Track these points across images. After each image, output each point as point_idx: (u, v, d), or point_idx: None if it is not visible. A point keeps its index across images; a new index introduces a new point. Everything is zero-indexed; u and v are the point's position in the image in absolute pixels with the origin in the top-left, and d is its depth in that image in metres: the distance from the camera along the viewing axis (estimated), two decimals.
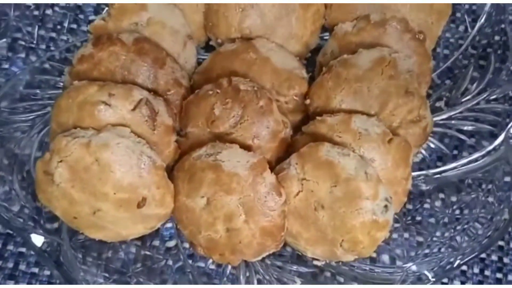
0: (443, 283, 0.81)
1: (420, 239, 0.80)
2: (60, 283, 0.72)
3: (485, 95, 0.86)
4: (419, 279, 0.74)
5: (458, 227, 0.79)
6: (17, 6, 0.87)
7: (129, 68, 0.75)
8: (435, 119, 0.83)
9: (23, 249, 0.80)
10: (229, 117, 0.74)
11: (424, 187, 0.84)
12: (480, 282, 0.82)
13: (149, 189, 0.69)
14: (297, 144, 0.75)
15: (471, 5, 0.95)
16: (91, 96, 0.70)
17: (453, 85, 0.89)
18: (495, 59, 0.89)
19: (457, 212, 0.81)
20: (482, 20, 0.91)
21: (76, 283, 0.71)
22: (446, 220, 0.81)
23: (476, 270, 0.83)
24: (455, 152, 0.86)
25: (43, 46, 0.90)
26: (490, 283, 0.82)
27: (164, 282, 0.76)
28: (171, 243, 0.80)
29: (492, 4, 0.90)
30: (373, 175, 0.68)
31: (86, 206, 0.69)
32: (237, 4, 0.82)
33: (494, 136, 0.82)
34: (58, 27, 0.92)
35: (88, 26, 0.82)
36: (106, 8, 0.85)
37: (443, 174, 0.83)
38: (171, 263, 0.78)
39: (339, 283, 0.77)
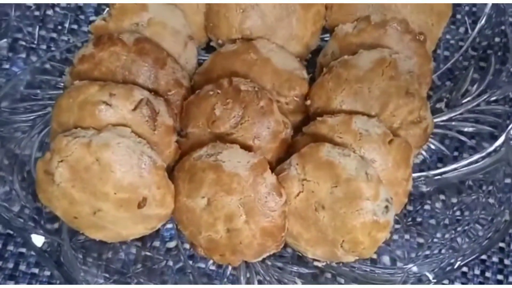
0: (443, 284, 0.81)
1: (421, 240, 0.80)
2: (60, 283, 0.72)
3: (485, 97, 0.86)
4: (420, 280, 0.74)
5: (459, 229, 0.79)
6: (18, 6, 0.87)
7: (129, 68, 0.75)
8: (435, 120, 0.83)
9: (23, 250, 0.80)
10: (230, 117, 0.74)
11: (424, 189, 0.84)
12: (481, 284, 0.82)
13: (149, 189, 0.69)
14: (298, 145, 0.75)
15: (471, 7, 0.95)
16: (92, 96, 0.70)
17: (453, 87, 0.89)
18: (496, 61, 0.89)
19: (458, 213, 0.81)
20: (483, 21, 0.92)
21: (77, 284, 0.71)
22: (446, 221, 0.81)
23: (477, 272, 0.83)
24: (456, 153, 0.86)
25: (44, 47, 0.90)
26: (491, 285, 0.82)
27: (164, 282, 0.76)
28: (172, 244, 0.80)
29: (493, 6, 0.90)
30: (373, 176, 0.68)
31: (87, 206, 0.69)
32: (238, 5, 0.82)
33: (495, 138, 0.83)
34: (59, 27, 0.92)
35: (88, 27, 0.82)
36: (107, 9, 0.85)
37: (444, 176, 0.84)
38: (172, 264, 0.78)
39: (340, 284, 0.77)
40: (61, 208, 0.70)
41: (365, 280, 0.76)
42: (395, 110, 0.75)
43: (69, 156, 0.67)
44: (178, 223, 0.75)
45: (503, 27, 0.90)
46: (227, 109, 0.74)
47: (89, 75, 0.75)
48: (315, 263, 0.77)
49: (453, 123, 0.86)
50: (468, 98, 0.87)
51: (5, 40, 0.87)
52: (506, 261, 0.83)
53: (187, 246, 0.79)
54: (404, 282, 0.74)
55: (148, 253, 0.78)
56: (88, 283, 0.72)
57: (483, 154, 0.82)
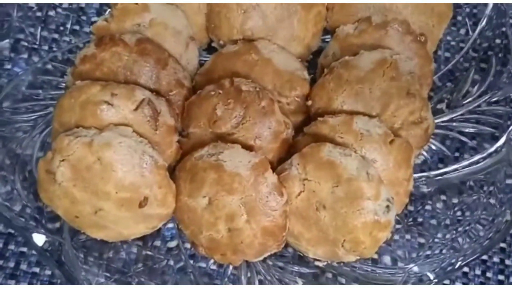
0: (444, 284, 0.81)
1: (422, 240, 0.80)
2: (61, 283, 0.72)
3: (486, 98, 0.86)
4: (421, 280, 0.74)
5: (460, 229, 0.79)
6: (20, 7, 0.88)
7: (131, 68, 0.76)
8: (436, 121, 0.83)
9: (24, 249, 0.80)
10: (231, 117, 0.74)
11: (425, 189, 0.84)
12: (482, 284, 0.82)
13: (151, 188, 0.69)
14: (299, 145, 0.75)
15: (472, 8, 0.96)
16: (93, 95, 0.70)
17: (454, 88, 0.90)
18: (496, 62, 0.89)
19: (459, 213, 0.81)
20: (483, 23, 0.92)
21: (78, 283, 0.71)
22: (447, 221, 0.81)
23: (478, 272, 0.83)
24: (457, 154, 0.86)
25: (46, 47, 0.90)
26: (491, 285, 0.82)
27: (165, 282, 0.76)
28: (173, 244, 0.80)
29: (493, 8, 0.90)
30: (374, 176, 0.68)
31: (88, 205, 0.69)
32: (239, 6, 0.82)
33: (496, 138, 0.83)
34: (61, 28, 0.92)
35: (90, 27, 0.83)
36: (109, 10, 0.85)
37: (445, 176, 0.84)
38: (173, 263, 0.78)
39: (341, 283, 0.77)
40: (62, 208, 0.70)
41: (366, 280, 0.76)
42: (396, 110, 0.75)
43: (71, 155, 0.68)
44: (179, 223, 0.75)
45: (503, 29, 0.90)
46: (228, 109, 0.74)
47: (90, 75, 0.76)
48: (316, 263, 0.77)
49: (454, 123, 0.87)
50: (469, 99, 0.87)
51: (7, 40, 0.87)
52: (507, 262, 0.83)
53: (188, 245, 0.79)
54: (405, 282, 0.74)
55: (149, 253, 0.78)
56: (89, 282, 0.72)
57: (484, 154, 0.82)
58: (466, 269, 0.82)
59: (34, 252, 0.79)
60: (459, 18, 0.96)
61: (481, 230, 0.77)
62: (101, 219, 0.71)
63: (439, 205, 0.82)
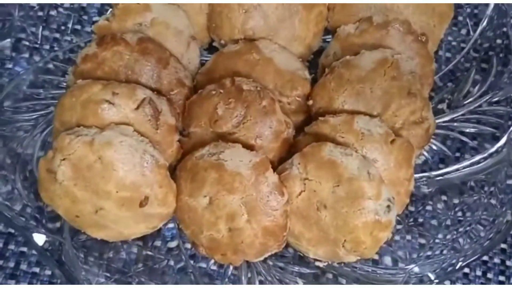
0: (445, 285, 0.81)
1: (422, 241, 0.80)
2: (61, 283, 0.72)
3: (487, 98, 0.86)
4: (421, 281, 0.74)
5: (460, 229, 0.79)
6: (21, 6, 0.88)
7: (132, 67, 0.76)
8: (437, 121, 0.83)
9: (25, 249, 0.80)
10: (232, 117, 0.74)
11: (426, 189, 0.84)
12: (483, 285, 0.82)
13: (151, 188, 0.69)
14: (300, 145, 0.75)
15: (473, 8, 0.96)
16: (94, 94, 0.70)
17: (455, 88, 0.90)
18: (497, 62, 0.89)
19: (459, 214, 0.81)
20: (484, 23, 0.92)
21: (78, 283, 0.71)
22: (448, 222, 0.81)
23: (478, 273, 0.83)
24: (458, 154, 0.86)
25: (47, 47, 0.91)
26: (492, 285, 0.82)
27: (165, 282, 0.76)
28: (173, 244, 0.80)
29: (494, 8, 0.90)
30: (375, 175, 0.68)
31: (89, 205, 0.69)
32: (241, 6, 0.82)
33: (496, 138, 0.83)
34: (62, 27, 0.92)
35: (92, 27, 0.83)
36: (110, 9, 0.85)
37: (446, 176, 0.84)
38: (173, 264, 0.78)
39: (341, 284, 0.77)
40: (63, 207, 0.70)
41: (366, 281, 0.76)
42: (397, 110, 0.75)
43: (72, 154, 0.67)
44: (179, 222, 0.75)
45: (504, 29, 0.90)
46: (229, 108, 0.74)
47: (92, 74, 0.76)
48: (317, 263, 0.77)
49: (455, 124, 0.87)
50: (470, 99, 0.87)
51: (8, 40, 0.87)
52: (508, 263, 0.83)
53: (188, 246, 0.79)
54: (406, 283, 0.74)
55: (149, 253, 0.78)
56: (89, 282, 0.72)
57: (485, 155, 0.82)
58: (467, 270, 0.82)
59: (34, 252, 0.79)
60: (460, 18, 0.96)
61: (482, 231, 0.77)
62: (102, 219, 0.70)
63: (439, 205, 0.82)
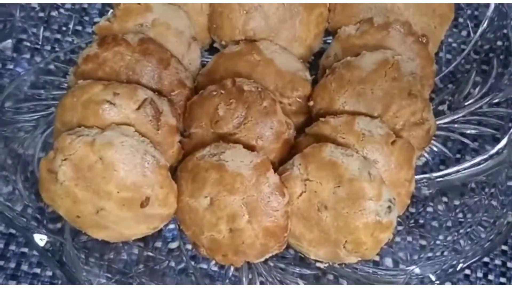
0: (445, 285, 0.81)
1: (423, 242, 0.80)
2: (62, 283, 0.72)
3: (487, 99, 0.86)
4: (422, 282, 0.74)
5: (461, 231, 0.78)
6: (22, 7, 0.88)
7: (133, 68, 0.76)
8: (438, 122, 0.83)
9: (25, 250, 0.80)
10: (233, 117, 0.74)
11: (427, 191, 0.84)
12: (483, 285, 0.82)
13: (152, 188, 0.69)
14: (301, 145, 0.75)
15: (473, 10, 0.96)
16: (96, 95, 0.70)
17: (455, 89, 0.90)
18: (498, 64, 0.89)
19: (460, 215, 0.81)
20: (485, 25, 0.92)
21: (79, 283, 0.71)
22: (449, 223, 0.81)
23: (479, 275, 0.82)
24: (458, 155, 0.86)
25: (48, 47, 0.91)
26: (493, 285, 0.81)
27: (166, 283, 0.76)
28: (174, 245, 0.79)
29: (495, 9, 0.91)
30: (376, 176, 0.68)
31: (90, 205, 0.69)
32: (241, 6, 0.83)
33: (497, 140, 0.83)
34: (63, 28, 0.92)
35: (93, 28, 0.83)
36: (111, 10, 0.85)
37: (446, 178, 0.84)
38: (174, 265, 0.78)
39: (342, 285, 0.76)
40: (64, 207, 0.70)
41: (367, 282, 0.76)
42: (398, 111, 0.75)
43: (73, 154, 0.67)
44: (180, 223, 0.75)
45: (505, 31, 0.90)
46: (230, 109, 0.74)
47: (93, 75, 0.76)
48: (318, 264, 0.77)
49: (456, 125, 0.87)
50: (471, 101, 0.87)
51: (9, 40, 0.87)
52: (509, 264, 0.83)
53: (189, 246, 0.79)
54: (407, 284, 0.74)
55: (150, 254, 0.78)
56: (90, 283, 0.72)
57: (486, 156, 0.82)
58: (468, 271, 0.82)
59: (35, 252, 0.79)
60: (461, 20, 0.96)
61: (483, 232, 0.77)
62: (103, 219, 0.70)
63: (440, 207, 0.82)
